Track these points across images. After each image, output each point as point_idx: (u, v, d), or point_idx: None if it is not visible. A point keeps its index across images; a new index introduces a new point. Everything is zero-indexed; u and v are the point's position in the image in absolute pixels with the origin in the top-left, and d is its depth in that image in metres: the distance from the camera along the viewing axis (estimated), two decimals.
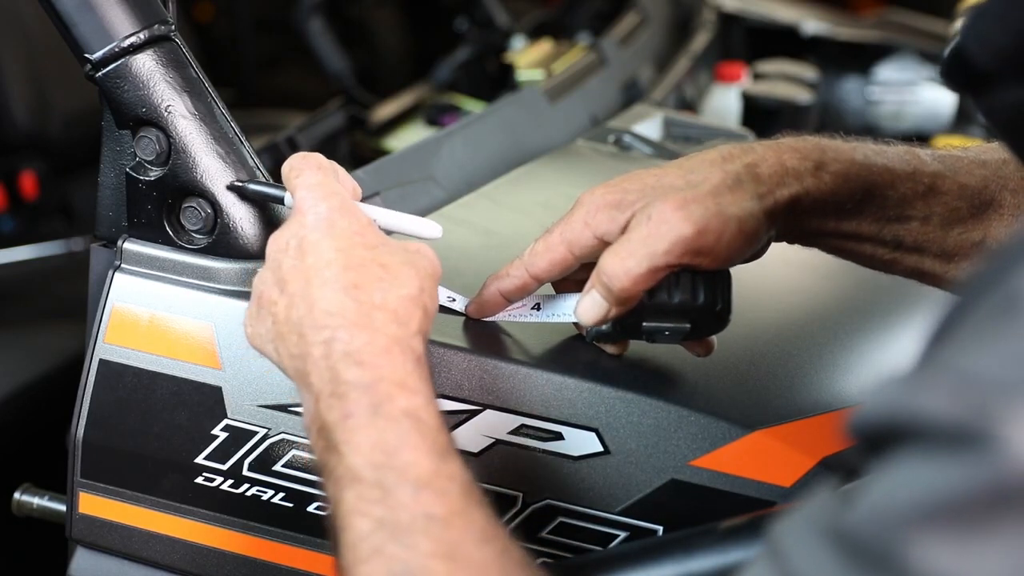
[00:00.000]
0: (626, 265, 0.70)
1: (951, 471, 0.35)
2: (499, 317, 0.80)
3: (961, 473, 0.35)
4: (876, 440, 0.39)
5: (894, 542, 0.36)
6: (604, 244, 0.73)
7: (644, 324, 0.73)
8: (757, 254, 0.74)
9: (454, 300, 0.81)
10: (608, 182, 0.74)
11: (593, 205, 0.73)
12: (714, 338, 0.77)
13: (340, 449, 0.61)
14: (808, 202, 0.72)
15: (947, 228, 0.75)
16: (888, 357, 0.87)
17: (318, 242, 0.68)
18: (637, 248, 0.70)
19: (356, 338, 0.64)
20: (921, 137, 1.77)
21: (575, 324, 0.78)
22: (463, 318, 0.81)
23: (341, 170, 0.76)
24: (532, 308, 0.79)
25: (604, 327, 0.75)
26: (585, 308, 0.73)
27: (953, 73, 0.52)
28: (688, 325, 0.73)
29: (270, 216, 0.85)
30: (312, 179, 0.72)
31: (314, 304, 0.65)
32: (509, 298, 0.78)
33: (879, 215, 0.74)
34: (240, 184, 0.82)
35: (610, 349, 0.78)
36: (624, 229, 0.72)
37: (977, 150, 0.79)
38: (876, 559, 0.36)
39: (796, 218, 0.72)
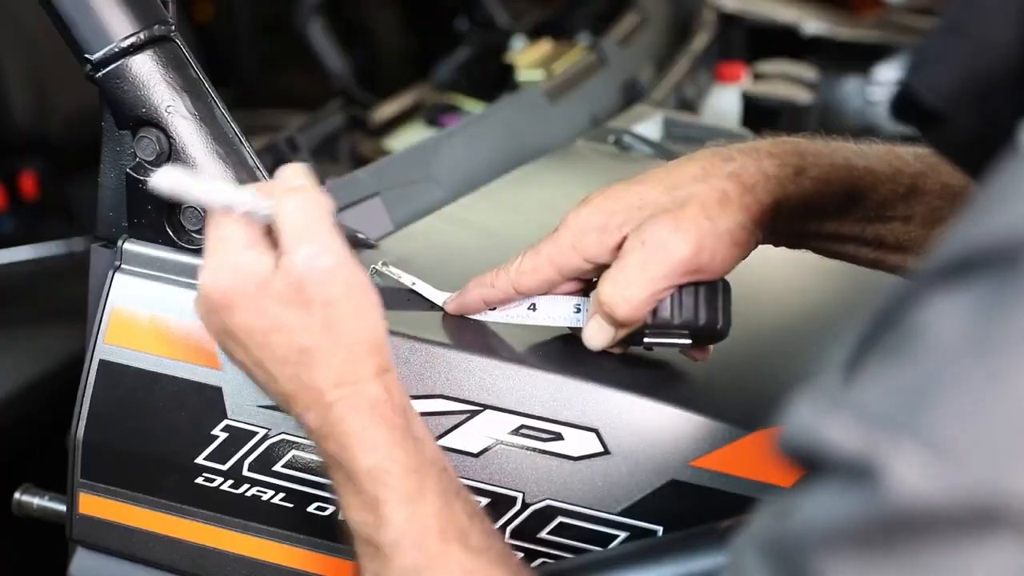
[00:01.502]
0: (626, 293, 0.70)
1: (850, 502, 0.38)
2: (493, 317, 0.80)
3: (857, 504, 0.38)
4: (798, 463, 0.42)
5: (809, 563, 0.39)
6: (594, 265, 0.73)
7: (645, 340, 0.73)
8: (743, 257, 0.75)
9: (415, 283, 0.82)
10: (590, 200, 0.74)
11: (579, 228, 0.73)
12: (710, 348, 0.77)
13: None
14: (790, 207, 0.72)
15: (929, 227, 0.75)
16: None
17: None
18: (635, 275, 0.70)
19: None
20: (921, 138, 1.78)
21: (571, 328, 0.78)
22: (464, 319, 0.81)
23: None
24: (528, 308, 0.79)
25: None
26: (591, 334, 0.74)
27: (902, 112, 0.53)
28: (689, 341, 0.73)
29: None
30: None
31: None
32: (485, 300, 0.79)
33: (860, 216, 0.75)
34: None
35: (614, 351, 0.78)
36: (613, 250, 0.72)
37: None
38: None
39: (779, 222, 0.73)
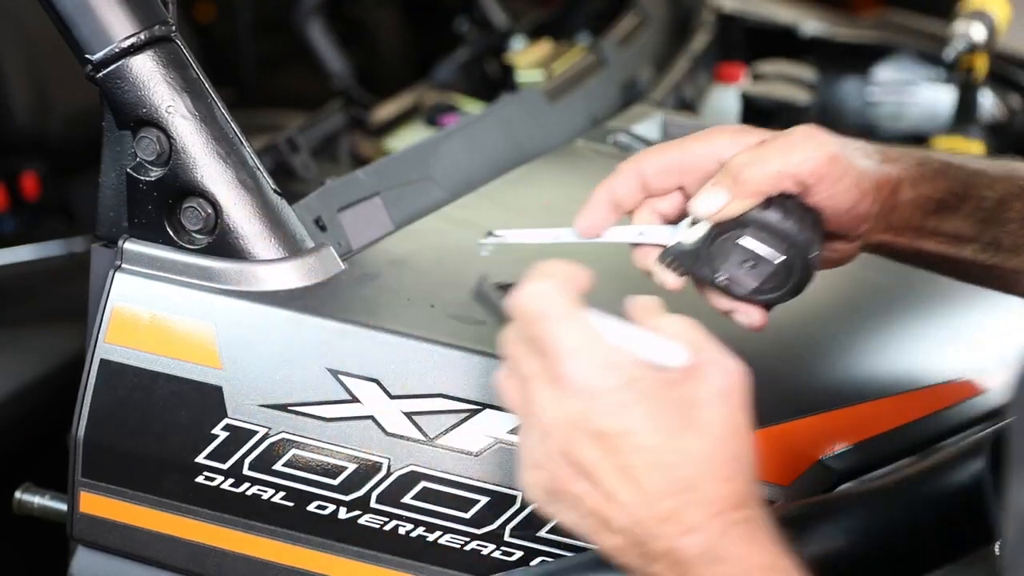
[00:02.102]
0: (761, 161, 0.70)
1: None
2: (605, 238, 0.75)
3: None
4: None
5: None
6: (714, 163, 0.72)
7: (739, 240, 0.71)
8: (842, 259, 0.75)
9: (526, 236, 0.77)
10: None
11: (718, 129, 0.74)
12: (767, 315, 0.74)
13: None
14: (913, 195, 0.73)
15: None
16: (887, 356, 0.87)
17: (621, 439, 0.59)
18: (773, 153, 0.70)
19: (704, 538, 0.58)
20: (920, 138, 1.78)
21: (649, 249, 0.74)
22: (462, 319, 0.81)
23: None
24: (638, 234, 0.75)
25: (689, 244, 0.72)
26: (704, 198, 0.71)
27: None
28: (782, 258, 0.71)
29: (273, 217, 0.85)
30: (573, 340, 0.60)
31: (648, 509, 0.59)
32: (613, 195, 0.73)
33: (978, 215, 0.75)
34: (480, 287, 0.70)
35: (670, 281, 0.73)
36: (747, 147, 0.72)
37: None
38: None
39: (899, 209, 0.73)
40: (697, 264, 0.73)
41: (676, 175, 0.73)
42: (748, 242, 0.71)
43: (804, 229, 0.71)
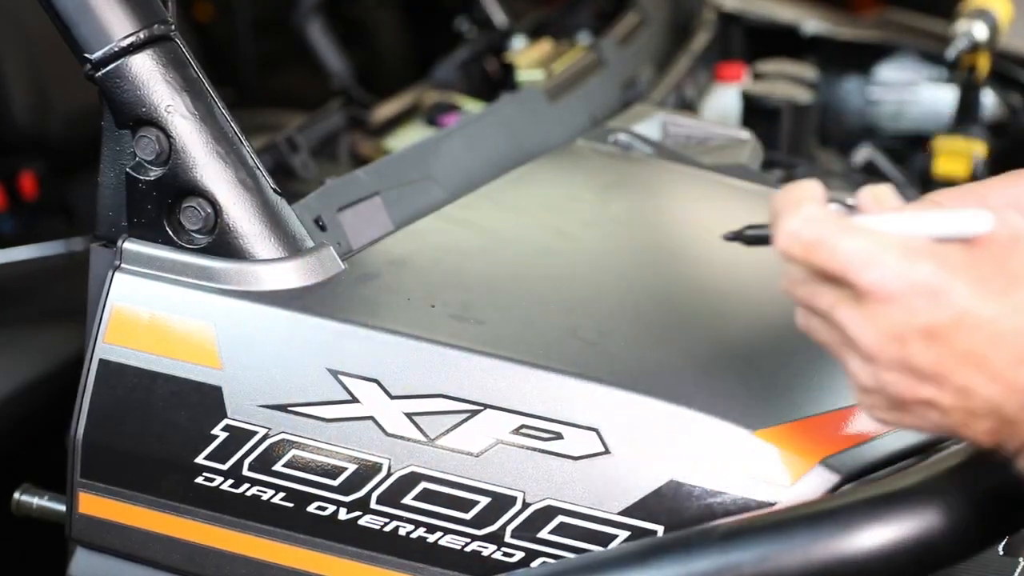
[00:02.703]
0: None
1: None
2: None
3: None
4: None
5: None
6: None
7: None
8: None
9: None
10: None
11: (1018, 172, 0.66)
12: None
13: None
14: None
15: None
16: None
17: (955, 325, 0.56)
18: None
19: None
20: (921, 137, 1.78)
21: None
22: (462, 319, 0.81)
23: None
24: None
25: None
26: None
27: None
28: None
29: (272, 217, 0.84)
30: (862, 250, 0.57)
31: (1007, 384, 0.56)
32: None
33: None
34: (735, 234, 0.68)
35: None
36: None
37: None
38: None
39: None
40: None
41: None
42: None
43: None
